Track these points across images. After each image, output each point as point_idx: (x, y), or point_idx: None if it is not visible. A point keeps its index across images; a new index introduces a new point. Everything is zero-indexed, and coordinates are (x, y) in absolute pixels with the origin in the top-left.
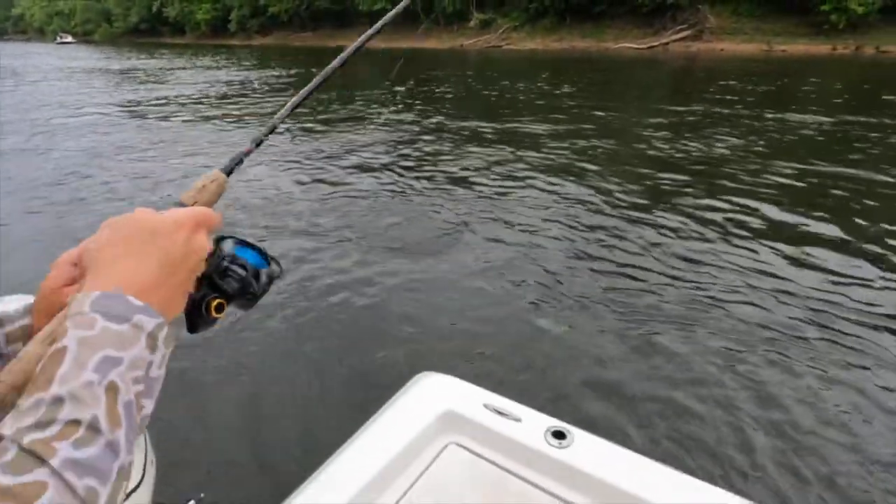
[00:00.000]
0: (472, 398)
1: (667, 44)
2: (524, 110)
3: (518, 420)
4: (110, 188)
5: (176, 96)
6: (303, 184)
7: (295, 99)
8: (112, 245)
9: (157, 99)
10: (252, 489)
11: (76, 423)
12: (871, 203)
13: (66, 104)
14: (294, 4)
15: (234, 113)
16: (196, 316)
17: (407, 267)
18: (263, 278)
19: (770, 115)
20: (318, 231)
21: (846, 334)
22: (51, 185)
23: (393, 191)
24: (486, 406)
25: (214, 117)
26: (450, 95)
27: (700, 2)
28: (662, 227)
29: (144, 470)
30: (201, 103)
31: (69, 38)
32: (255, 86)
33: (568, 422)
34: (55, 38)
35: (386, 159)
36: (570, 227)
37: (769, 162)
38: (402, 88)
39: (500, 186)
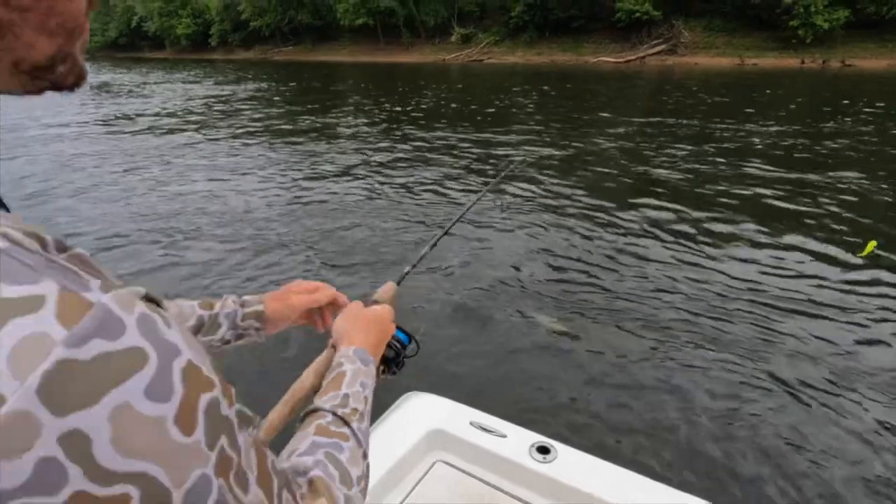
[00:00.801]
0: (459, 416)
1: (643, 58)
2: (504, 121)
3: (504, 436)
4: (77, 196)
5: (152, 109)
6: (276, 204)
7: (432, 241)
8: (357, 326)
9: (133, 112)
10: None
11: (356, 410)
12: (835, 203)
13: (38, 118)
14: (275, 19)
15: (215, 125)
16: (393, 364)
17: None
18: (407, 352)
19: (738, 126)
20: (290, 242)
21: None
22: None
23: (359, 200)
24: (472, 424)
25: (189, 129)
26: (428, 107)
27: (674, 17)
28: (631, 235)
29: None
30: (174, 116)
31: None
32: (237, 98)
33: (551, 436)
34: None
35: (362, 171)
36: (544, 234)
37: (739, 170)
38: (385, 101)
39: (470, 196)
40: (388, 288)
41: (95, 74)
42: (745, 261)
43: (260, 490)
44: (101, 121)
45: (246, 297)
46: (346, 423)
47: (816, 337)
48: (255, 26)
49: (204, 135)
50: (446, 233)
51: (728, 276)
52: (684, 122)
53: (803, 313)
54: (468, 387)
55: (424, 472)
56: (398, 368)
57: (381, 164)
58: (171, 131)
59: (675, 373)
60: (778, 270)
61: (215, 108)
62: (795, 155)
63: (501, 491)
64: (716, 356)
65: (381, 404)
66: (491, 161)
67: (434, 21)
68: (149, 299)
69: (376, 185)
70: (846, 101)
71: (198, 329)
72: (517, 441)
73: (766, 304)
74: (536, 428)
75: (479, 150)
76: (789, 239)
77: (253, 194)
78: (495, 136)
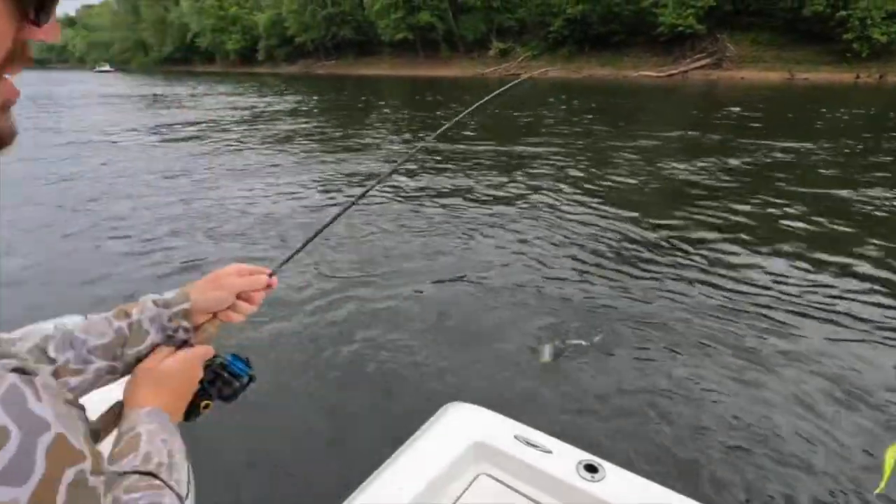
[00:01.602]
0: (503, 429)
1: (686, 72)
2: (546, 135)
3: (549, 452)
4: (132, 206)
5: (196, 119)
6: (309, 211)
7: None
8: (148, 384)
9: (179, 122)
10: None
11: (161, 464)
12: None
13: (98, 127)
14: (319, 35)
15: (263, 136)
16: (192, 414)
17: (431, 295)
18: (242, 382)
19: (788, 143)
20: (342, 261)
21: None
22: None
23: (408, 219)
24: (516, 437)
25: (227, 138)
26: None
27: (719, 31)
28: (674, 254)
29: (189, 490)
30: (216, 125)
31: (107, 67)
32: (276, 109)
33: (599, 455)
34: (94, 67)
35: (411, 183)
36: (591, 253)
37: (788, 189)
38: (417, 113)
39: (510, 211)
40: (210, 324)
41: (150, 87)
42: (790, 283)
43: None
44: (151, 130)
45: (167, 296)
46: (156, 476)
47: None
48: (299, 41)
49: (241, 143)
50: (318, 233)
51: (781, 300)
52: (726, 136)
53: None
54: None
55: (468, 485)
56: (230, 398)
57: (406, 172)
58: (210, 140)
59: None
60: (824, 293)
61: (255, 118)
62: (853, 174)
63: None
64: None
65: (422, 413)
66: (515, 172)
67: (473, 35)
68: (22, 371)
69: (399, 195)
70: None
71: (122, 343)
72: (563, 458)
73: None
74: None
75: (502, 161)
76: (835, 262)
77: (280, 199)
78: (524, 148)
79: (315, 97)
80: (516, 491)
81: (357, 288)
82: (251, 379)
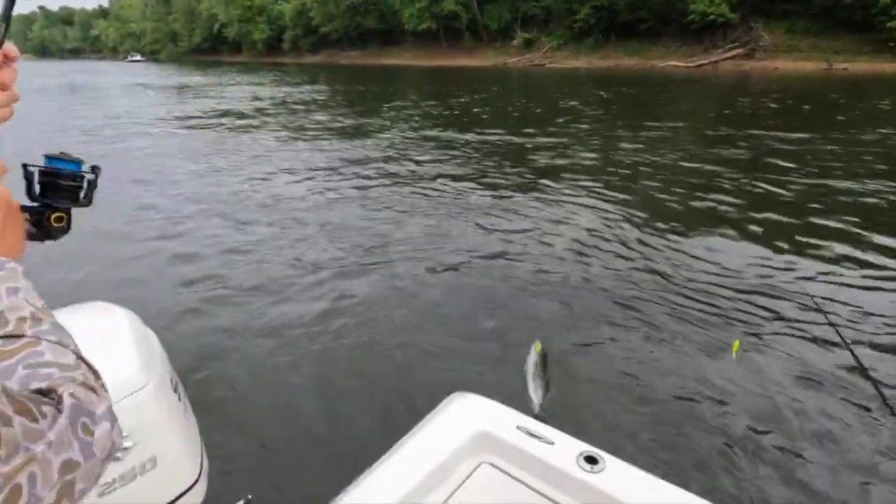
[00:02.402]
0: (506, 419)
1: (717, 62)
2: (563, 125)
3: (551, 443)
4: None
5: (220, 108)
6: (324, 196)
7: None
8: None
9: (204, 111)
10: (291, 498)
11: (23, 318)
12: None
13: (130, 114)
14: (343, 25)
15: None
16: (44, 234)
17: (434, 282)
18: (78, 175)
19: (826, 135)
20: (344, 247)
21: None
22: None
23: (413, 204)
24: (519, 428)
25: (249, 126)
26: (478, 109)
27: (753, 19)
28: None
29: (202, 466)
30: (239, 114)
31: (138, 57)
32: (298, 99)
33: (600, 447)
34: (126, 57)
35: (421, 171)
36: (603, 241)
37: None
38: (438, 103)
39: (519, 198)
40: None
41: (178, 77)
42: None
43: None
44: (177, 117)
45: None
46: (20, 336)
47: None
48: (324, 31)
49: (261, 131)
50: None
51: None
52: (759, 132)
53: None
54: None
55: (469, 473)
56: (84, 201)
57: (419, 162)
58: (233, 128)
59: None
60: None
61: (277, 107)
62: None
63: (547, 497)
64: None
65: (428, 403)
66: (528, 164)
67: (497, 25)
68: None
69: (408, 182)
70: None
71: None
72: (564, 449)
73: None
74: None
75: (513, 150)
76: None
77: (296, 185)
78: (537, 139)
79: (334, 87)
80: (517, 480)
81: (360, 274)
82: (94, 170)
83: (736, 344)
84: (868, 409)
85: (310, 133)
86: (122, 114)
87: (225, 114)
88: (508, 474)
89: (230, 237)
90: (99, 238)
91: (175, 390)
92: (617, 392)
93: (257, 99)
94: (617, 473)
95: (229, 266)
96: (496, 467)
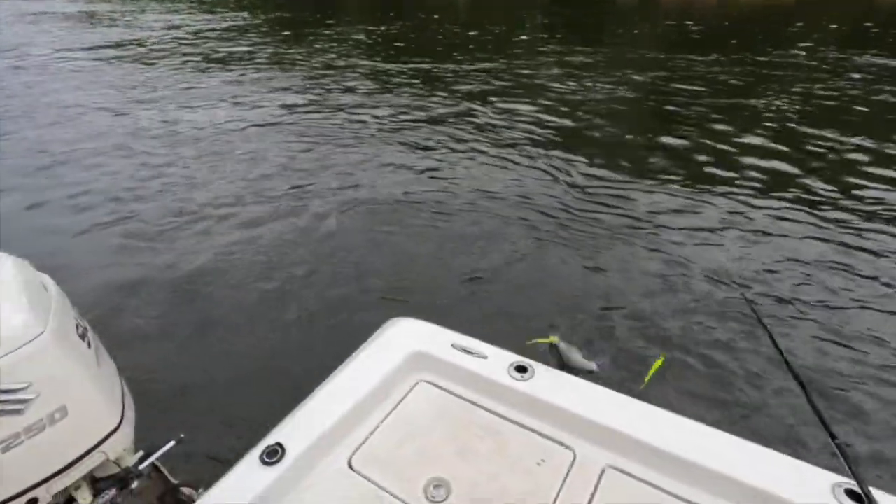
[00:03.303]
0: (441, 339)
1: None
2: (501, 49)
3: (484, 357)
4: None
5: (140, 38)
6: (243, 127)
7: None
8: None
9: (121, 41)
10: (228, 431)
11: None
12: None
13: (28, 45)
14: None
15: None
16: None
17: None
18: None
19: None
20: (266, 178)
21: None
22: None
23: (334, 134)
24: (453, 346)
25: (165, 59)
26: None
27: None
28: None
29: (123, 414)
30: (153, 46)
31: None
32: (215, 28)
33: (530, 357)
34: None
35: (350, 101)
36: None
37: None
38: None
39: (453, 129)
40: None
41: (84, 4)
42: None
43: None
44: (83, 48)
45: None
46: None
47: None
48: None
49: (178, 62)
50: None
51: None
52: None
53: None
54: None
55: (407, 392)
56: None
57: (348, 90)
58: (147, 60)
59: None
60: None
61: (195, 37)
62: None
63: (481, 407)
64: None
65: (366, 330)
66: (457, 91)
67: None
68: None
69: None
70: None
71: None
72: (496, 361)
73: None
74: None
75: (447, 79)
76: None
77: (211, 116)
78: (466, 66)
79: (259, 14)
80: (452, 394)
81: (279, 207)
82: None
83: (657, 363)
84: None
85: (232, 63)
86: (18, 45)
87: (138, 43)
88: (444, 389)
89: (138, 175)
90: None
91: (83, 337)
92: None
93: (173, 28)
94: (545, 379)
95: (141, 202)
96: (432, 384)
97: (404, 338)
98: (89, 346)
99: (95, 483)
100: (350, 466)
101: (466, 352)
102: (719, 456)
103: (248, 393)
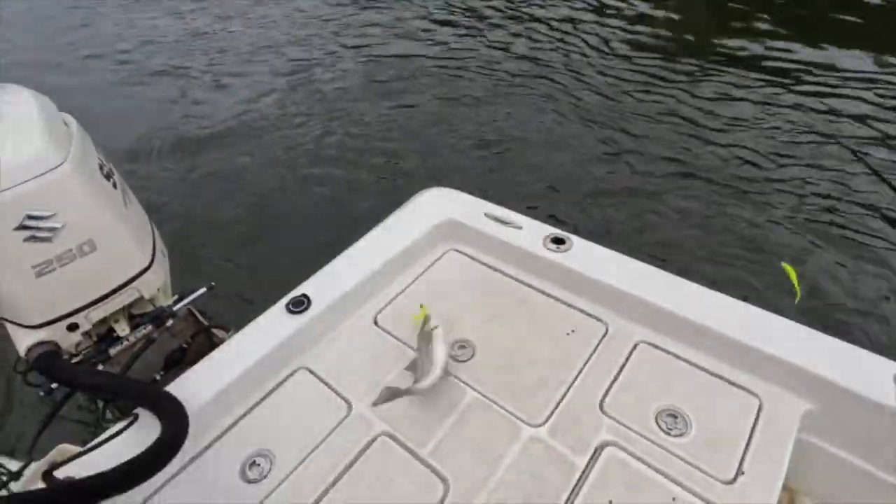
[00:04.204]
0: (474, 209)
1: None
2: None
3: (519, 228)
4: None
5: None
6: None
7: None
8: None
9: None
10: (259, 281)
11: None
12: None
13: None
14: None
15: None
16: None
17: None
18: None
19: None
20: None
21: None
22: None
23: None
24: (487, 215)
25: None
26: None
27: None
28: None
29: (154, 255)
30: None
31: None
32: None
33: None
34: None
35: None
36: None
37: None
38: None
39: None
40: None
41: None
42: None
43: None
44: None
45: None
46: None
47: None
48: None
49: None
50: None
51: None
52: None
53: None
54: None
55: (437, 258)
56: None
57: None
58: None
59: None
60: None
61: None
62: None
63: (512, 277)
64: None
65: (400, 198)
66: None
67: None
68: None
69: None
70: None
71: None
72: (532, 232)
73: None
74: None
75: None
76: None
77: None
78: None
79: None
80: (483, 263)
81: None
82: None
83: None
84: None
85: None
86: None
87: None
88: (475, 259)
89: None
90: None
91: (108, 177)
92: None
93: None
94: (582, 252)
95: (188, 57)
96: (463, 253)
97: (436, 206)
98: (115, 186)
99: (133, 318)
100: (375, 322)
101: (500, 221)
102: (768, 338)
103: (285, 244)
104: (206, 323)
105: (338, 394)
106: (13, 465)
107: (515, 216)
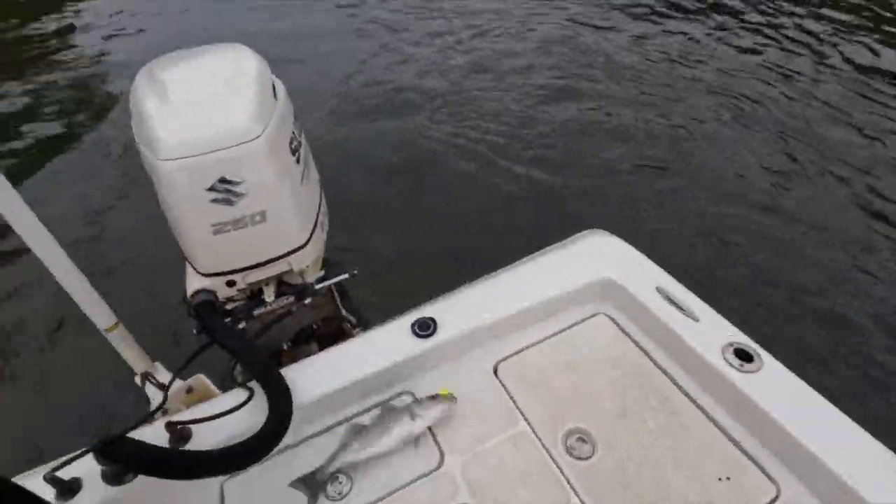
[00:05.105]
0: (645, 275)
1: None
2: None
3: (696, 320)
4: None
5: None
6: None
7: None
8: None
9: None
10: (400, 286)
11: None
12: None
13: None
14: None
15: None
16: None
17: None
18: None
19: None
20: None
21: None
22: None
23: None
24: (658, 290)
25: None
26: None
27: None
28: None
29: (313, 233)
30: None
31: None
32: None
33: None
34: None
35: None
36: None
37: None
38: None
39: None
40: None
41: None
42: None
43: None
44: None
45: None
46: None
47: None
48: None
49: None
50: None
51: None
52: None
53: None
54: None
55: (583, 318)
56: None
57: None
58: None
59: None
60: None
61: None
62: None
63: (669, 376)
64: None
65: (561, 236)
66: None
67: None
68: None
69: None
70: None
71: None
72: (711, 331)
73: None
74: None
75: None
76: None
77: None
78: None
79: None
80: (637, 344)
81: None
82: None
83: None
84: None
85: None
86: None
87: None
88: (629, 336)
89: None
90: None
91: (294, 151)
92: None
93: None
94: (773, 379)
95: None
96: (616, 323)
97: (599, 257)
98: (298, 161)
99: (280, 286)
100: (495, 372)
101: (674, 304)
102: None
103: (434, 256)
104: (341, 310)
105: (434, 438)
106: (164, 377)
107: (695, 301)
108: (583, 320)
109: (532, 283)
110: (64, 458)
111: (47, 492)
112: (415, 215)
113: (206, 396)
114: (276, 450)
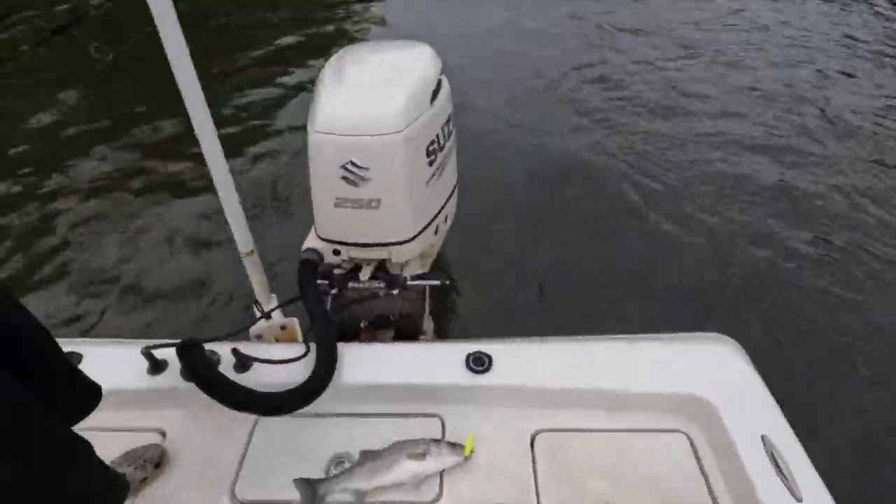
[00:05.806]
0: (756, 411)
1: None
2: None
3: (798, 500)
4: None
5: None
6: None
7: None
8: None
9: None
10: (493, 307)
11: None
12: None
13: None
14: None
15: None
16: None
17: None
18: None
19: None
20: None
21: None
22: None
23: None
24: (764, 440)
25: None
26: None
27: None
28: None
29: (420, 234)
30: None
31: None
32: None
33: None
34: None
35: None
36: None
37: None
38: None
39: None
40: None
41: None
42: None
43: None
44: None
45: None
46: None
47: None
48: None
49: None
50: None
51: None
52: None
53: None
54: None
55: (657, 428)
56: None
57: None
58: None
59: None
60: None
61: None
62: None
63: None
64: None
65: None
66: None
67: None
68: None
69: None
70: None
71: None
72: None
73: None
74: None
75: None
76: None
77: None
78: None
79: None
80: (710, 492)
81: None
82: None
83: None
84: None
85: None
86: None
87: None
88: (705, 479)
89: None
90: None
91: (431, 153)
92: None
93: None
94: None
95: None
96: (694, 453)
97: (709, 367)
98: (432, 163)
99: (378, 270)
100: (532, 441)
101: (776, 465)
102: None
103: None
104: (426, 311)
105: (440, 475)
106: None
107: (807, 472)
108: (656, 430)
109: (619, 363)
110: (157, 342)
111: (143, 362)
112: (557, 250)
113: (292, 338)
114: (304, 412)
